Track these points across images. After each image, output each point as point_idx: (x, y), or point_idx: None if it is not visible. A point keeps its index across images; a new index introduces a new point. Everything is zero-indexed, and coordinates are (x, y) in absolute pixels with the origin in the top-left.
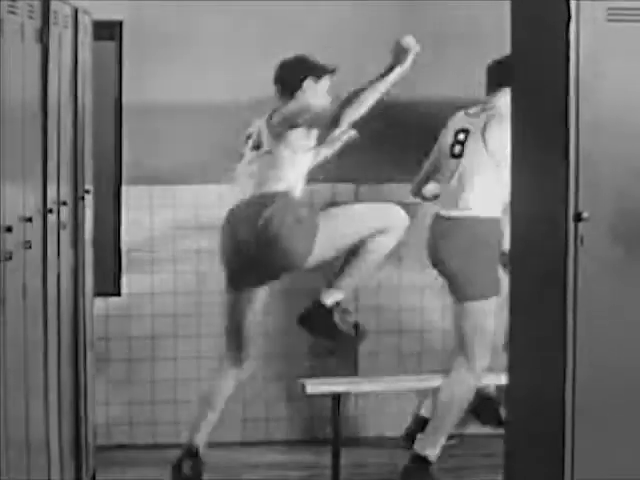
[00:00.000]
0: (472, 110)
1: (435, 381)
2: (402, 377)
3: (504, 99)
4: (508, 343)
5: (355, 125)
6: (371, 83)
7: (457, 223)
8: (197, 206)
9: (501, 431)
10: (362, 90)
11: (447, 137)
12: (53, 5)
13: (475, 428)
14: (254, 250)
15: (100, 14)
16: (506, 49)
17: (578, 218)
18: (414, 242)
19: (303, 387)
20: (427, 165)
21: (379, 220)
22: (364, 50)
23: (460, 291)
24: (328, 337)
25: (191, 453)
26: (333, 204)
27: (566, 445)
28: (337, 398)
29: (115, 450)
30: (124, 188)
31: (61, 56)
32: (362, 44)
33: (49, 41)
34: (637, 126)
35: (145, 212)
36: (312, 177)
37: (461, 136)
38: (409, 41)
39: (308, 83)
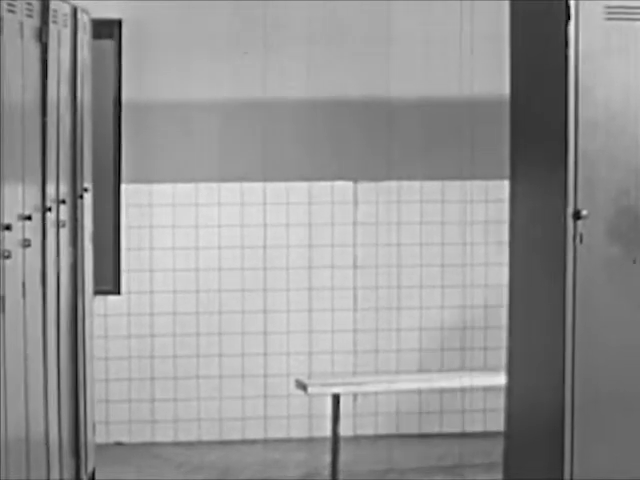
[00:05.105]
0: None
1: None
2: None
3: None
4: (507, 342)
5: (355, 124)
6: None
7: None
8: (196, 205)
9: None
10: None
11: None
12: (52, 4)
13: (475, 427)
14: None
15: (99, 13)
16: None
17: (577, 216)
18: None
19: (304, 387)
20: None
21: None
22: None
23: None
24: None
25: None
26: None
27: (565, 445)
28: (337, 398)
29: (114, 448)
30: (123, 186)
31: (60, 55)
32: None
33: (48, 40)
34: (635, 124)
35: (144, 210)
36: (311, 175)
37: None
38: None
39: None
